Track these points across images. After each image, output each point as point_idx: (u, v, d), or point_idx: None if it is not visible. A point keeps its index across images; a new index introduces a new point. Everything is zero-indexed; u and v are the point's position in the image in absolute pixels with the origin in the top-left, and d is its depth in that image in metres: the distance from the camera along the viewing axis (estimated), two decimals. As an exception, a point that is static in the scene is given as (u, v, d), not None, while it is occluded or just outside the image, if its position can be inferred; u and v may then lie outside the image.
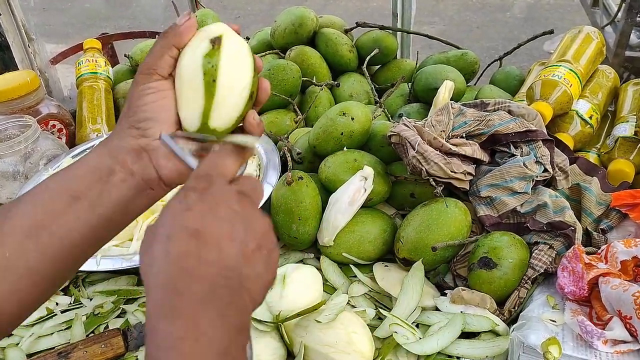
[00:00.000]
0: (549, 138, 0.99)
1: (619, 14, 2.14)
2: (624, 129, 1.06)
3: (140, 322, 0.89)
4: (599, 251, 0.81)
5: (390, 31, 1.47)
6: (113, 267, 0.88)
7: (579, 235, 0.89)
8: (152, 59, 0.55)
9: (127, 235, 0.93)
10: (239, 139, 0.54)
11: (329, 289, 0.94)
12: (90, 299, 0.96)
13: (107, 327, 0.90)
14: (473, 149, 0.97)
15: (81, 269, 0.87)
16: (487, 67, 1.43)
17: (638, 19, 2.31)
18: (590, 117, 1.09)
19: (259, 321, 0.79)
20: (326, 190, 1.03)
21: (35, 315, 0.91)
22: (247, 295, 0.43)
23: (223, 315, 0.40)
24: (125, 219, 0.57)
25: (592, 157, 1.09)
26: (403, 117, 1.01)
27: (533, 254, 0.86)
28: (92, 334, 0.89)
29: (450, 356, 0.78)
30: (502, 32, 3.95)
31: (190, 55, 0.54)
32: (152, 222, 0.45)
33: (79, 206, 0.52)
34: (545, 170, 0.96)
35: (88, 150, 1.12)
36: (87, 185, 0.52)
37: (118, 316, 0.92)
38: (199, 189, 0.45)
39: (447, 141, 0.97)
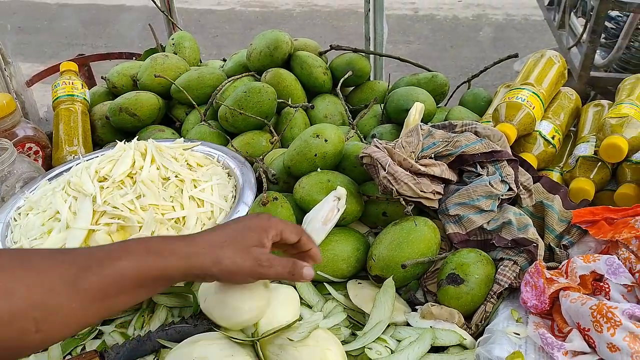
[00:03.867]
0: (514, 158, 1.04)
1: (584, 36, 2.23)
2: (584, 149, 1.11)
3: (117, 343, 0.90)
4: (560, 266, 0.85)
5: (363, 54, 1.52)
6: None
7: (540, 251, 0.93)
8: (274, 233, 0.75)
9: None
10: None
11: (305, 306, 0.96)
12: (67, 321, 0.96)
13: (84, 348, 0.91)
14: (441, 169, 1.01)
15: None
16: (456, 89, 1.48)
17: (602, 40, 2.41)
18: (553, 137, 1.14)
19: (236, 339, 0.81)
20: (301, 209, 1.05)
21: (11, 338, 0.92)
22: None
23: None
24: None
25: (555, 175, 1.14)
26: (374, 139, 1.05)
27: (498, 270, 0.90)
28: (69, 356, 0.90)
29: (420, 370, 0.81)
30: (474, 52, 4.04)
31: None
32: None
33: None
34: (510, 189, 1.00)
35: (67, 173, 1.13)
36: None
37: (95, 337, 0.93)
38: None
39: (416, 162, 1.00)
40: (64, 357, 0.89)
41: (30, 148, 1.37)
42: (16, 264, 0.58)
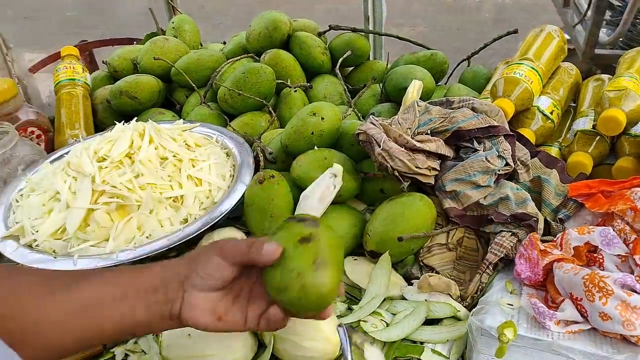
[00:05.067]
0: (511, 133, 1.03)
1: (589, 13, 2.20)
2: (583, 123, 1.11)
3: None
4: (555, 239, 0.85)
5: (362, 33, 1.51)
6: (88, 267, 0.90)
7: (540, 225, 0.93)
8: (233, 248, 0.63)
9: (103, 235, 0.96)
10: None
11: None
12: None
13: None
14: (437, 145, 1.01)
15: (57, 268, 0.90)
16: (457, 66, 1.47)
17: (607, 17, 2.38)
18: (552, 113, 1.13)
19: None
20: (298, 188, 1.06)
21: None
22: None
23: None
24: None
25: (554, 151, 1.14)
26: (371, 116, 1.05)
27: (495, 240, 0.90)
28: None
29: (414, 342, 0.82)
30: (480, 34, 4.01)
31: None
32: None
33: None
34: (507, 164, 1.00)
35: (67, 155, 1.15)
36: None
37: None
38: None
39: (412, 138, 1.00)
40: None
41: (32, 132, 1.38)
42: None
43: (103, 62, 1.64)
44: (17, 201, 1.08)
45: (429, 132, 1.03)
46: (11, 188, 1.12)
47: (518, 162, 1.02)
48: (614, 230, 0.81)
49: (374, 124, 1.01)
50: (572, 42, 2.25)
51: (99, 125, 1.48)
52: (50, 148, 1.39)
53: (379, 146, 0.97)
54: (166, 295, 0.63)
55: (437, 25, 4.59)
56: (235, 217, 1.08)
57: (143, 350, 0.87)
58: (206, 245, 0.67)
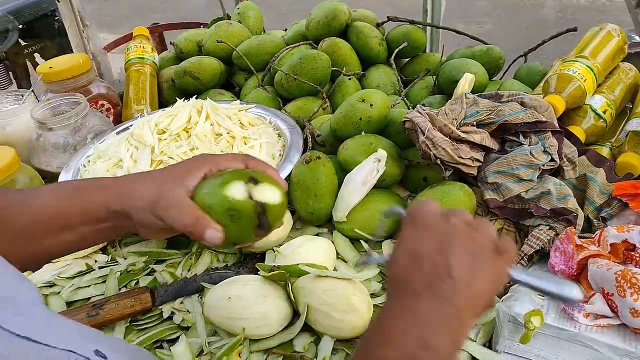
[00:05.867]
0: (559, 129, 1.03)
1: (662, 15, 2.11)
2: (635, 124, 1.08)
3: (167, 282, 0.99)
4: (592, 235, 0.86)
5: (420, 26, 1.52)
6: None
7: (580, 221, 0.93)
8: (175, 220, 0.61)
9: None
10: None
11: (340, 260, 1.01)
12: (125, 258, 1.06)
13: (137, 283, 1.00)
14: (482, 137, 1.02)
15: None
16: (513, 62, 1.46)
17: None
18: (605, 112, 1.12)
19: (269, 279, 0.88)
20: (344, 170, 1.10)
21: (75, 269, 1.03)
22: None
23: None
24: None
25: (605, 151, 1.12)
26: (419, 105, 1.07)
27: (532, 232, 0.91)
28: (124, 288, 0.99)
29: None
30: (547, 34, 3.90)
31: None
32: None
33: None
34: (552, 159, 1.00)
35: (131, 127, 1.23)
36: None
37: (148, 274, 1.02)
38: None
39: (458, 129, 1.02)
40: (120, 289, 0.99)
41: (102, 105, 1.48)
42: None
43: (170, 43, 1.72)
44: (85, 166, 1.16)
45: (475, 123, 1.05)
46: (80, 154, 1.21)
47: (564, 159, 1.02)
48: (655, 230, 0.81)
49: (421, 113, 1.03)
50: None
51: (164, 103, 1.57)
52: (118, 120, 1.49)
53: (424, 134, 0.99)
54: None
55: (506, 23, 4.49)
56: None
57: (188, 310, 0.93)
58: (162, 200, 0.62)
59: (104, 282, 1.00)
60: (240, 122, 1.18)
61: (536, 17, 4.51)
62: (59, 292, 0.99)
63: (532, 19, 4.46)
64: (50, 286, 1.01)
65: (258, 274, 0.91)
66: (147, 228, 0.65)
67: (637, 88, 1.23)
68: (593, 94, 1.14)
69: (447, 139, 0.99)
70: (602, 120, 1.12)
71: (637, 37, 2.23)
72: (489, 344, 0.81)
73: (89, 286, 1.00)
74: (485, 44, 1.48)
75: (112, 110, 1.50)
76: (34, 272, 1.01)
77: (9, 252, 0.49)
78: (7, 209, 0.62)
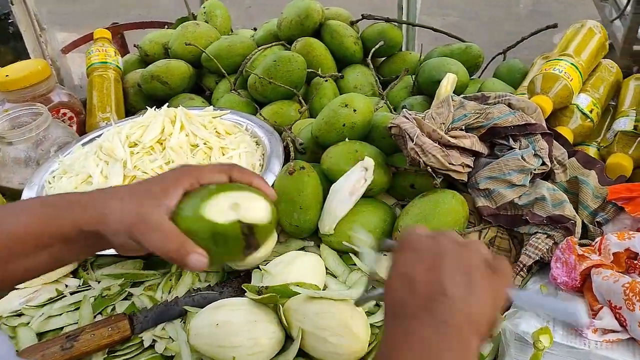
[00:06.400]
0: (548, 132, 1.00)
1: (628, 8, 2.14)
2: (623, 124, 1.07)
3: (146, 307, 0.92)
4: (592, 243, 0.83)
5: (396, 24, 1.48)
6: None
7: (578, 228, 0.90)
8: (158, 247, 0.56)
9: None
10: None
11: (330, 276, 0.96)
12: (98, 282, 0.99)
13: (114, 309, 0.93)
14: (472, 142, 0.99)
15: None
16: (491, 60, 1.44)
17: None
18: (591, 111, 1.10)
19: (258, 302, 0.82)
20: (328, 180, 1.05)
21: (45, 297, 0.95)
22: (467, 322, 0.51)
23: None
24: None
25: (592, 150, 1.10)
26: (404, 110, 1.03)
27: (530, 242, 0.88)
28: (100, 315, 0.92)
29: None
30: (515, 26, 3.93)
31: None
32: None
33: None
34: (544, 163, 0.97)
35: (99, 138, 1.15)
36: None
37: (125, 298, 0.95)
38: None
39: (446, 133, 0.98)
40: (95, 316, 0.91)
41: (64, 114, 1.39)
42: None
43: (134, 45, 1.64)
44: (50, 183, 1.08)
45: (463, 127, 1.01)
46: (44, 169, 1.12)
47: (555, 162, 1.00)
48: (655, 236, 0.79)
49: (407, 118, 0.99)
50: (609, 38, 2.19)
51: (130, 109, 1.49)
52: (82, 130, 1.40)
53: (412, 141, 0.95)
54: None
55: (470, 15, 4.51)
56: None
57: (170, 337, 0.87)
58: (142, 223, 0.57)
59: (77, 309, 0.93)
60: (216, 131, 1.11)
61: (501, 9, 4.54)
62: (28, 323, 0.91)
63: (505, 13, 4.50)
64: (19, 316, 0.93)
65: (245, 296, 0.85)
66: (124, 247, 0.59)
67: (619, 85, 1.22)
68: (578, 93, 1.12)
69: (436, 145, 0.95)
70: (589, 119, 1.10)
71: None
72: (494, 363, 0.78)
73: (61, 314, 0.93)
74: (463, 41, 1.45)
75: (75, 119, 1.41)
76: (-1, 299, 0.93)
77: None
78: None
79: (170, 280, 0.97)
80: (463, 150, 0.99)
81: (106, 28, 1.74)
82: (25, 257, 0.58)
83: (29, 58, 1.57)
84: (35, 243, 0.58)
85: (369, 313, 0.86)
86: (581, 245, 0.83)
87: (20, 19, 1.48)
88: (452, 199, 0.94)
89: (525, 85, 1.21)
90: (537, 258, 0.86)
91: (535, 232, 0.90)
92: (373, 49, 1.41)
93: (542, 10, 4.41)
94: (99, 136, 1.21)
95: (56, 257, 0.60)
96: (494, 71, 1.41)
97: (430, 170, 0.95)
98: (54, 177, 1.09)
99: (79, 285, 0.98)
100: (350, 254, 0.99)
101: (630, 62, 2.09)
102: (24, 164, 1.16)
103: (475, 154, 1.01)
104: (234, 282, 0.95)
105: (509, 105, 1.03)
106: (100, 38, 1.55)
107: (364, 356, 0.78)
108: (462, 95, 1.09)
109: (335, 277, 0.96)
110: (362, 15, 1.51)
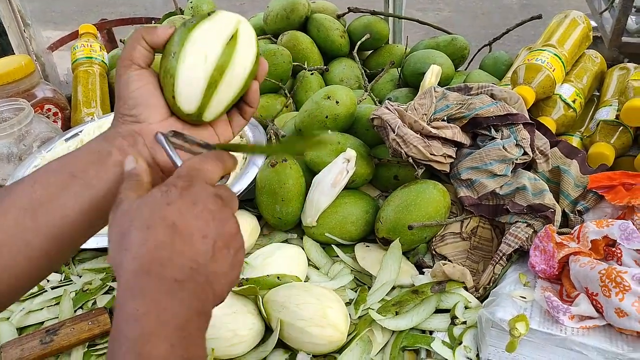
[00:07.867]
0: (530, 122, 1.00)
1: (617, 0, 2.13)
2: (605, 113, 1.07)
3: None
4: (572, 231, 0.83)
5: (382, 16, 1.48)
6: (97, 245, 0.90)
7: (557, 217, 0.90)
8: (127, 51, 0.57)
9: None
10: (229, 150, 0.56)
11: (312, 267, 0.96)
12: (80, 276, 0.98)
13: (94, 303, 0.93)
14: (453, 132, 0.98)
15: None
16: (478, 52, 1.44)
17: (637, 4, 2.30)
18: (574, 101, 1.10)
19: (240, 294, 0.82)
20: (311, 172, 1.05)
21: (25, 291, 0.94)
22: (210, 290, 0.45)
23: (184, 300, 0.42)
24: None
25: (575, 140, 1.10)
26: (387, 101, 1.02)
27: (510, 231, 0.88)
28: (81, 310, 0.92)
29: (423, 331, 0.81)
30: (506, 19, 3.93)
31: (200, 42, 0.54)
32: (126, 207, 0.46)
33: (76, 185, 0.52)
34: (525, 153, 0.97)
35: (81, 133, 1.15)
36: (84, 165, 0.53)
37: (105, 292, 0.95)
38: (180, 186, 0.46)
39: (428, 124, 0.98)
40: (75, 311, 0.91)
41: (49, 109, 1.38)
42: None
43: (120, 40, 1.63)
44: (31, 178, 1.08)
45: (445, 118, 1.01)
46: (26, 165, 1.12)
47: (537, 152, 0.99)
48: (633, 224, 0.79)
49: (389, 109, 0.99)
50: (598, 30, 2.19)
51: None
52: (67, 126, 1.39)
53: (394, 132, 0.95)
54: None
55: (462, 9, 4.50)
56: (247, 200, 1.08)
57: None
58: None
59: (58, 304, 0.93)
60: (199, 124, 1.11)
61: (501, 4, 4.54)
62: (8, 318, 0.91)
63: (496, 6, 4.50)
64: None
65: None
66: None
67: (603, 75, 1.22)
68: (561, 83, 1.12)
69: (418, 136, 0.95)
70: (572, 109, 1.10)
71: (593, 23, 2.24)
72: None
73: (41, 309, 0.93)
74: (449, 33, 1.45)
75: (59, 114, 1.40)
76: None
77: None
78: None
79: (153, 273, 0.97)
80: (445, 140, 0.98)
81: (94, 24, 1.74)
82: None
83: (14, 54, 1.56)
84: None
85: (348, 304, 0.86)
86: (560, 233, 0.83)
87: (4, 15, 1.47)
88: (433, 189, 0.93)
89: (509, 76, 1.21)
90: (517, 247, 0.86)
91: (516, 222, 0.90)
92: (359, 42, 1.41)
93: (533, 3, 4.41)
94: (82, 131, 1.21)
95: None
96: (480, 63, 1.40)
97: (411, 161, 0.95)
98: (36, 172, 1.09)
99: (61, 280, 0.98)
100: (333, 246, 0.98)
101: (618, 54, 2.09)
102: (6, 159, 1.16)
103: (457, 145, 1.00)
104: (216, 274, 0.95)
105: (492, 95, 1.03)
106: (86, 33, 1.55)
107: (343, 346, 0.78)
108: (445, 87, 1.09)
109: (318, 269, 0.96)
110: (348, 8, 1.50)
